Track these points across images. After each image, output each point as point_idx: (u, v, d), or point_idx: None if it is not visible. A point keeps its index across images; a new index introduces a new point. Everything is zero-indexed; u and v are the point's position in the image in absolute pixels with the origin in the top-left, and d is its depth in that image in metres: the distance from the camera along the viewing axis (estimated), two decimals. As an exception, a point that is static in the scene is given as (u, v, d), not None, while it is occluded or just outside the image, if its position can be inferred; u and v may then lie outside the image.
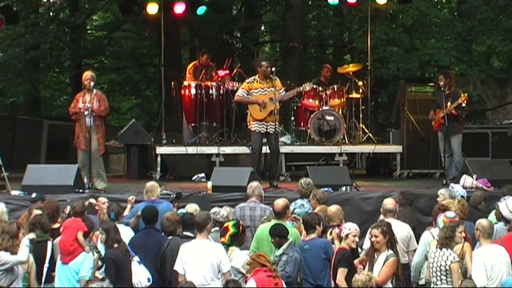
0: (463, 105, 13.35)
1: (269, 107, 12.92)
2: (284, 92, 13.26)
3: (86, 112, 12.40)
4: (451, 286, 8.45)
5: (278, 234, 8.84)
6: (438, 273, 8.54)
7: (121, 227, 9.37)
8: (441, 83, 13.39)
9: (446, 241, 8.65)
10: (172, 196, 11.07)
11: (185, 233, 9.19)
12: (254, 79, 13.18)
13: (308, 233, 9.01)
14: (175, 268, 8.66)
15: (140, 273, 8.80)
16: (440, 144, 13.58)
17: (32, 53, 21.11)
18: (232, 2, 23.25)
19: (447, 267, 8.50)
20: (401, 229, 9.34)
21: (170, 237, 9.17)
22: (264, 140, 13.20)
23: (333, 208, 9.75)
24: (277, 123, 12.97)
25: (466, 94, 13.57)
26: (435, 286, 8.60)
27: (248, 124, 13.25)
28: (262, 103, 12.92)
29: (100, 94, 12.79)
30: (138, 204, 10.42)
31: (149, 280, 8.84)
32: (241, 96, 13.27)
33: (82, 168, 12.46)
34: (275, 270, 8.24)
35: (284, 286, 8.31)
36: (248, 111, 13.28)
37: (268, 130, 12.98)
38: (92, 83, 12.51)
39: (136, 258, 8.87)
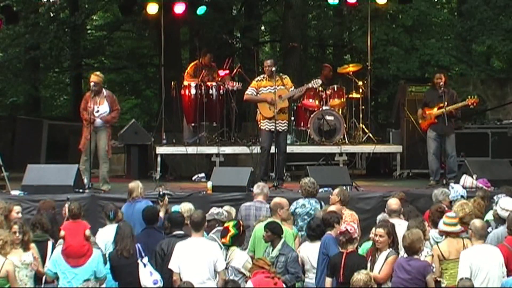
0: (472, 107, 13.40)
1: (279, 105, 12.85)
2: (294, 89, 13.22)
3: (96, 114, 12.44)
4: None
5: (273, 230, 8.90)
6: None
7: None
8: (440, 81, 13.39)
9: None
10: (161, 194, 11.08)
11: (176, 232, 9.13)
12: (264, 77, 13.11)
13: (326, 230, 9.02)
14: (170, 266, 8.66)
15: (144, 275, 8.72)
16: (432, 144, 13.49)
17: (32, 53, 21.10)
18: (232, 2, 23.24)
19: None
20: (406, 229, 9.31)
21: (166, 238, 9.13)
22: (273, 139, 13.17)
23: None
24: (287, 121, 12.94)
25: (476, 97, 13.63)
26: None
27: (258, 123, 13.18)
28: (272, 101, 12.87)
29: (111, 96, 12.84)
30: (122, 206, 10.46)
31: (155, 283, 8.71)
32: (250, 95, 13.20)
33: (84, 169, 12.47)
34: (274, 272, 8.27)
35: (284, 286, 8.34)
36: (257, 110, 13.23)
37: (278, 128, 12.91)
38: (96, 88, 12.53)
39: (144, 260, 8.77)
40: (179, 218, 9.27)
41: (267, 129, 12.94)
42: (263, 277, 8.16)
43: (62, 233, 9.01)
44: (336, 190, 10.32)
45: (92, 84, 12.64)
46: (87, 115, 12.45)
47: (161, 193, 10.94)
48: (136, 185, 10.61)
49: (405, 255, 8.36)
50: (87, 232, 8.97)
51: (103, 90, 12.69)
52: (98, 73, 13.05)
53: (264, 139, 13.04)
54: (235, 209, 10.63)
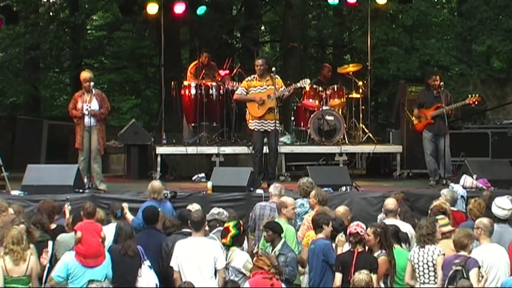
0: (473, 105, 13.47)
1: (268, 104, 12.92)
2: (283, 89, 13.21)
3: (86, 112, 12.40)
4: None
5: (272, 229, 8.92)
6: (426, 271, 8.44)
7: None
8: (437, 82, 13.39)
9: (429, 238, 8.54)
10: (166, 195, 11.05)
11: (184, 230, 9.18)
12: (254, 77, 13.19)
13: (316, 232, 9.01)
14: (171, 264, 8.70)
15: (147, 277, 8.70)
16: (428, 145, 13.49)
17: (32, 53, 21.12)
18: (232, 2, 23.23)
19: (435, 262, 8.44)
20: (402, 229, 9.29)
21: (172, 236, 9.17)
22: (265, 139, 13.19)
23: (341, 209, 9.72)
24: (276, 121, 12.95)
25: (477, 95, 13.64)
26: (423, 286, 8.51)
27: (248, 122, 13.24)
28: (260, 100, 12.91)
29: (100, 94, 12.82)
30: (144, 203, 10.43)
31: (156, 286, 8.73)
32: (239, 94, 13.32)
33: (82, 168, 12.46)
34: (273, 272, 8.27)
35: (283, 285, 8.34)
36: (246, 109, 13.28)
37: (266, 128, 12.97)
38: (91, 84, 12.52)
39: (147, 263, 8.79)
40: (189, 216, 9.26)
41: (255, 129, 13.03)
42: (261, 278, 8.16)
43: (78, 233, 8.81)
44: (312, 193, 10.18)
45: (87, 84, 12.54)
46: (76, 112, 12.45)
47: (169, 193, 11.00)
48: (161, 185, 10.65)
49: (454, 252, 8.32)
50: (103, 233, 8.95)
51: (92, 89, 12.63)
52: (88, 70, 13.07)
53: (256, 140, 13.13)
54: (235, 209, 10.65)
